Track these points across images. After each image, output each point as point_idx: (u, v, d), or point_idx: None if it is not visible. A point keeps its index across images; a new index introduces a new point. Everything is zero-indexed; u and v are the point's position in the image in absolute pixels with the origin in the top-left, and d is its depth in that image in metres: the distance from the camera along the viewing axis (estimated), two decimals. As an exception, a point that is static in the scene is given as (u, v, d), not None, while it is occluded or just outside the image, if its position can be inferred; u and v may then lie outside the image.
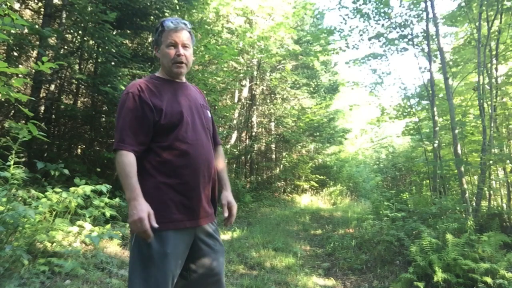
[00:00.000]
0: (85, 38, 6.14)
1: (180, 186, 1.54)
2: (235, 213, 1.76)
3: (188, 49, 1.67)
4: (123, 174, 1.47)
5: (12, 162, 3.03)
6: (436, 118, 6.27)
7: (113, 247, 4.04)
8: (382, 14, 6.84)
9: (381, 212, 5.98)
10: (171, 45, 1.63)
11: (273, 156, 13.84)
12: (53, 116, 6.05)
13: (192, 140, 1.59)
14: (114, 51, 5.67)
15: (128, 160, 1.48)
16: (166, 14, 7.03)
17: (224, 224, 1.77)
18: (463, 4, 5.56)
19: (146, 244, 1.46)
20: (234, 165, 12.02)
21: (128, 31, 6.78)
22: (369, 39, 7.18)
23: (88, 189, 3.89)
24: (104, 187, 4.04)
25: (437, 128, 6.21)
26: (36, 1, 6.82)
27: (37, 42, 5.74)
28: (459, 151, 5.37)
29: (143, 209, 1.42)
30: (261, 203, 10.02)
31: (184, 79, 1.76)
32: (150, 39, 7.98)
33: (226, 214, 1.71)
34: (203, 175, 1.60)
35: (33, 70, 4.94)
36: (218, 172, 1.76)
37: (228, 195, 1.76)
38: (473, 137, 5.97)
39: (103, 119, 6.66)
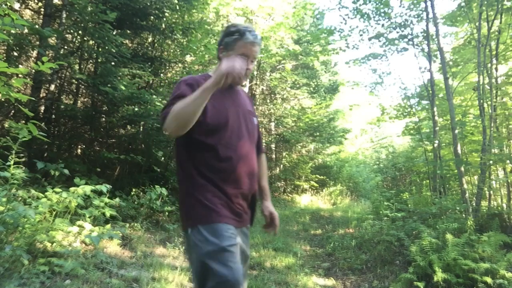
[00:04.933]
0: (85, 38, 6.14)
1: (221, 190, 1.54)
2: (278, 223, 1.78)
3: (254, 63, 1.68)
4: (185, 103, 1.43)
5: (12, 162, 3.03)
6: (436, 118, 6.27)
7: (113, 247, 4.04)
8: (382, 14, 6.84)
9: (381, 212, 5.98)
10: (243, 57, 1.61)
11: (273, 156, 13.84)
12: (53, 116, 6.05)
13: (235, 146, 1.58)
14: (114, 51, 5.66)
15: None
16: (166, 14, 7.03)
17: (267, 232, 1.82)
18: (463, 4, 5.56)
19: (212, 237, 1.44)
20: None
21: (128, 31, 6.79)
22: (369, 39, 7.18)
23: (88, 189, 3.89)
24: (104, 187, 4.04)
25: (437, 128, 6.21)
26: (36, 1, 6.81)
27: (37, 42, 5.74)
28: (459, 151, 5.37)
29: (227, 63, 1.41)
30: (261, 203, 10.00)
31: None
32: (150, 39, 7.98)
33: (268, 223, 1.77)
34: (244, 182, 1.59)
35: (33, 70, 4.94)
36: (259, 181, 1.77)
37: (269, 206, 1.79)
38: (473, 137, 5.96)
39: (103, 119, 6.67)
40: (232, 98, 1.66)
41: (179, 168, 1.62)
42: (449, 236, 3.62)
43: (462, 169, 5.18)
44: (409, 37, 6.81)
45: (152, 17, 6.87)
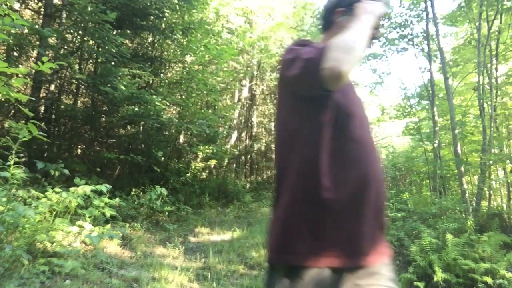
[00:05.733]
0: (85, 38, 6.14)
1: (349, 202, 1.06)
2: None
3: None
4: (349, 32, 1.03)
5: (12, 162, 3.03)
6: (436, 118, 6.27)
7: (113, 247, 4.04)
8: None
9: (381, 212, 5.96)
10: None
11: (273, 156, 13.83)
12: (53, 116, 6.06)
13: (362, 140, 1.12)
14: (114, 51, 5.67)
15: None
16: (166, 14, 7.04)
17: None
18: (463, 4, 5.56)
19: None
20: (234, 165, 12.02)
21: (128, 31, 6.79)
22: (369, 39, 7.18)
23: (88, 189, 3.89)
24: (104, 187, 4.05)
25: (437, 128, 6.21)
26: (36, 1, 6.82)
27: (37, 42, 5.74)
28: (459, 151, 5.37)
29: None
30: (261, 203, 10.01)
31: None
32: (150, 39, 7.99)
33: None
34: (376, 191, 1.10)
35: (33, 70, 4.93)
36: None
37: None
38: (473, 137, 5.96)
39: (103, 119, 6.67)
40: (350, 84, 1.22)
41: (304, 163, 1.07)
42: (449, 236, 3.61)
43: (462, 169, 5.18)
44: (409, 37, 6.81)
45: (152, 17, 6.87)
